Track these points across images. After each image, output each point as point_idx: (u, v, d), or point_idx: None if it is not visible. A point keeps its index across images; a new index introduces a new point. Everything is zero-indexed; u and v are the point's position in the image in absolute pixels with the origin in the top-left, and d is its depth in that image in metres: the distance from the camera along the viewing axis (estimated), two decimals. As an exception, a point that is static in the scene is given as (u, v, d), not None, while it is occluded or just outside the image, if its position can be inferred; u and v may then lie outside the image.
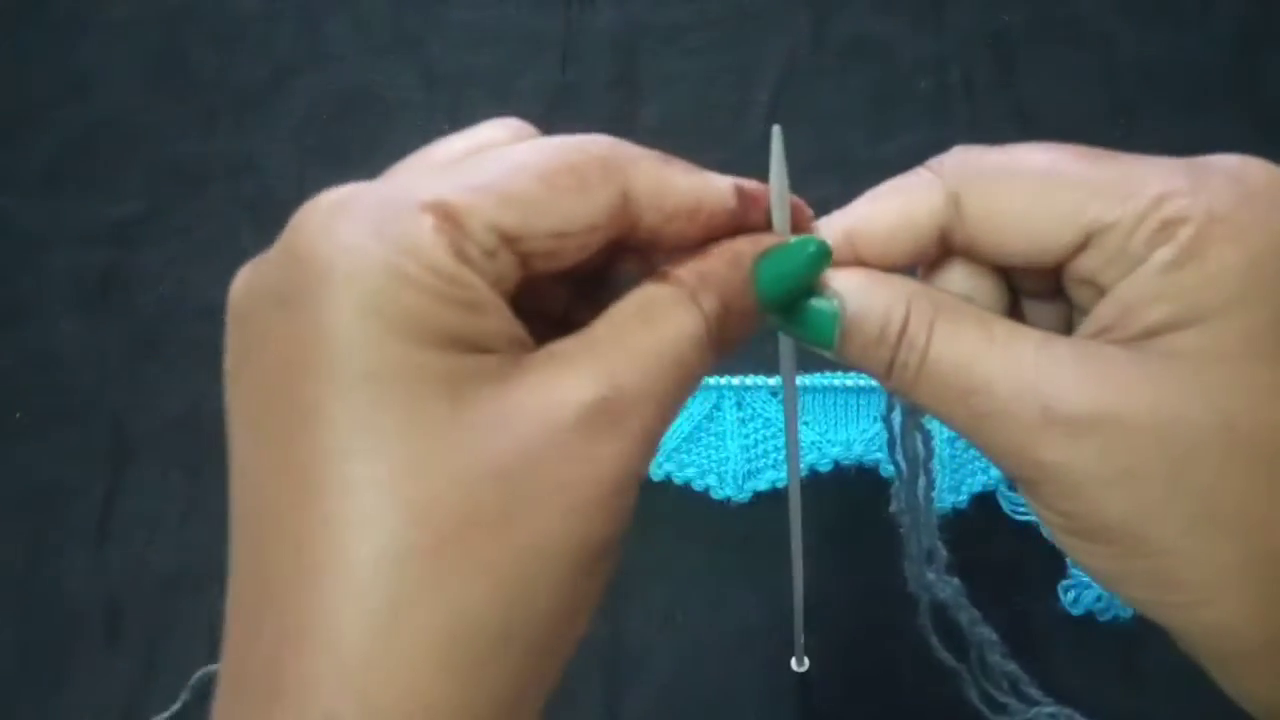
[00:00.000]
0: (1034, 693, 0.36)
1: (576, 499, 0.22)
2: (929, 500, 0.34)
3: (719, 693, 0.50)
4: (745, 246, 0.27)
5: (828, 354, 0.28)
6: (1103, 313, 0.26)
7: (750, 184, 0.27)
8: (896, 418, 0.33)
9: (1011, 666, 0.35)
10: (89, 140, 0.62)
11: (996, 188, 0.27)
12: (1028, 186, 0.27)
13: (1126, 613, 0.48)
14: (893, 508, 0.35)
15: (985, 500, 0.50)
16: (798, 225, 0.28)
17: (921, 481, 0.34)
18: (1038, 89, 0.60)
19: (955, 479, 0.51)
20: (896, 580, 0.51)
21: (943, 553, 0.35)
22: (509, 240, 0.23)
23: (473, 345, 0.22)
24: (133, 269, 0.59)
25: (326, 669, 0.20)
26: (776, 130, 0.27)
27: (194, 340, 0.57)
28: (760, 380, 0.52)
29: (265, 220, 0.60)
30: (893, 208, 0.28)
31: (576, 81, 0.62)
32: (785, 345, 0.30)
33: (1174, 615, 0.26)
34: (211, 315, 0.58)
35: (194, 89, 0.63)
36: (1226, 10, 0.61)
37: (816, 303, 0.27)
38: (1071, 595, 0.49)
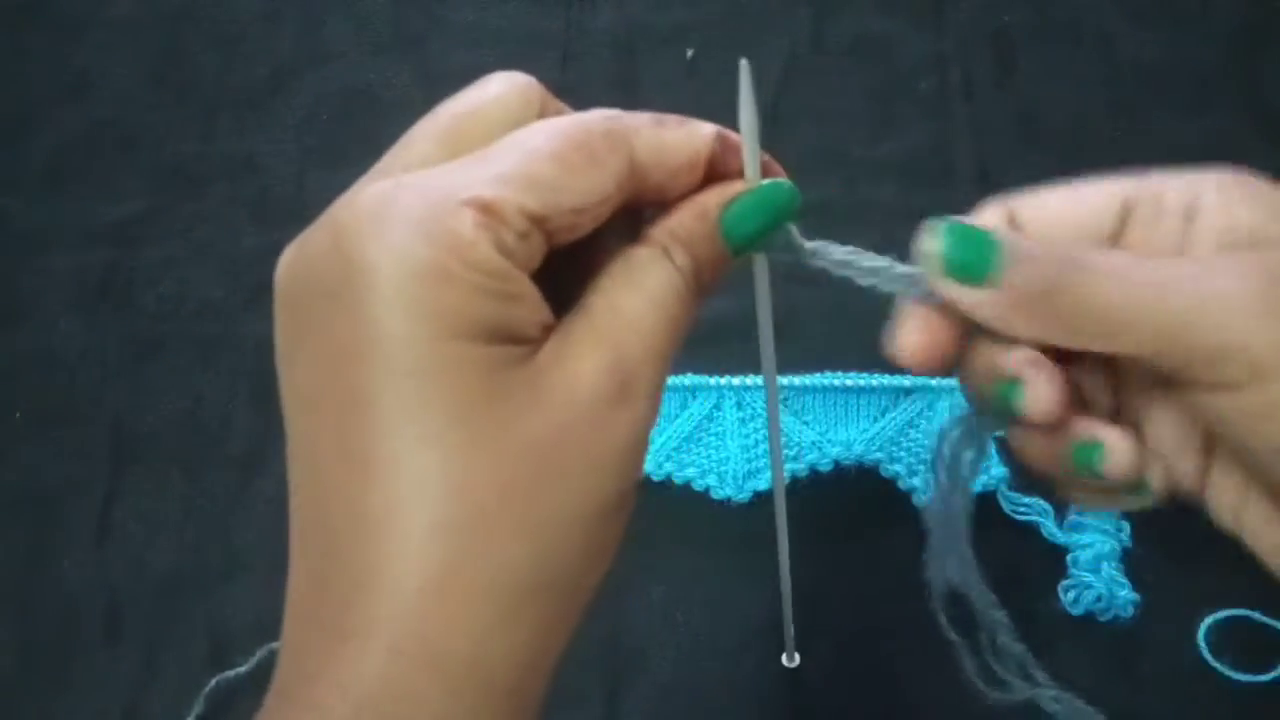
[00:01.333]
0: (1040, 675, 0.36)
1: (597, 462, 0.25)
2: (967, 510, 0.34)
3: (719, 692, 0.50)
4: (711, 198, 0.29)
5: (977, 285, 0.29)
6: None
7: (730, 133, 0.29)
8: (949, 432, 0.33)
9: (1021, 648, 0.35)
10: (89, 140, 0.62)
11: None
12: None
13: (1127, 613, 0.48)
14: (924, 515, 0.35)
15: (985, 500, 0.50)
16: (765, 171, 0.29)
17: (959, 497, 0.33)
18: (1038, 89, 0.60)
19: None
20: (895, 579, 0.51)
21: (970, 554, 0.35)
22: (537, 222, 0.25)
23: (509, 335, 0.25)
24: (133, 269, 0.59)
25: (390, 613, 0.24)
26: (744, 64, 0.28)
27: (194, 340, 0.57)
28: (760, 380, 0.52)
29: (265, 220, 0.60)
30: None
31: (576, 81, 0.62)
32: (760, 268, 0.31)
33: None
34: (212, 315, 0.59)
35: (194, 89, 0.63)
36: (1226, 10, 0.61)
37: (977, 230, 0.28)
38: (1071, 595, 0.49)
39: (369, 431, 0.24)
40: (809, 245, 0.30)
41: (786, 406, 0.52)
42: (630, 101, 0.62)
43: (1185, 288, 0.27)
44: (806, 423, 0.52)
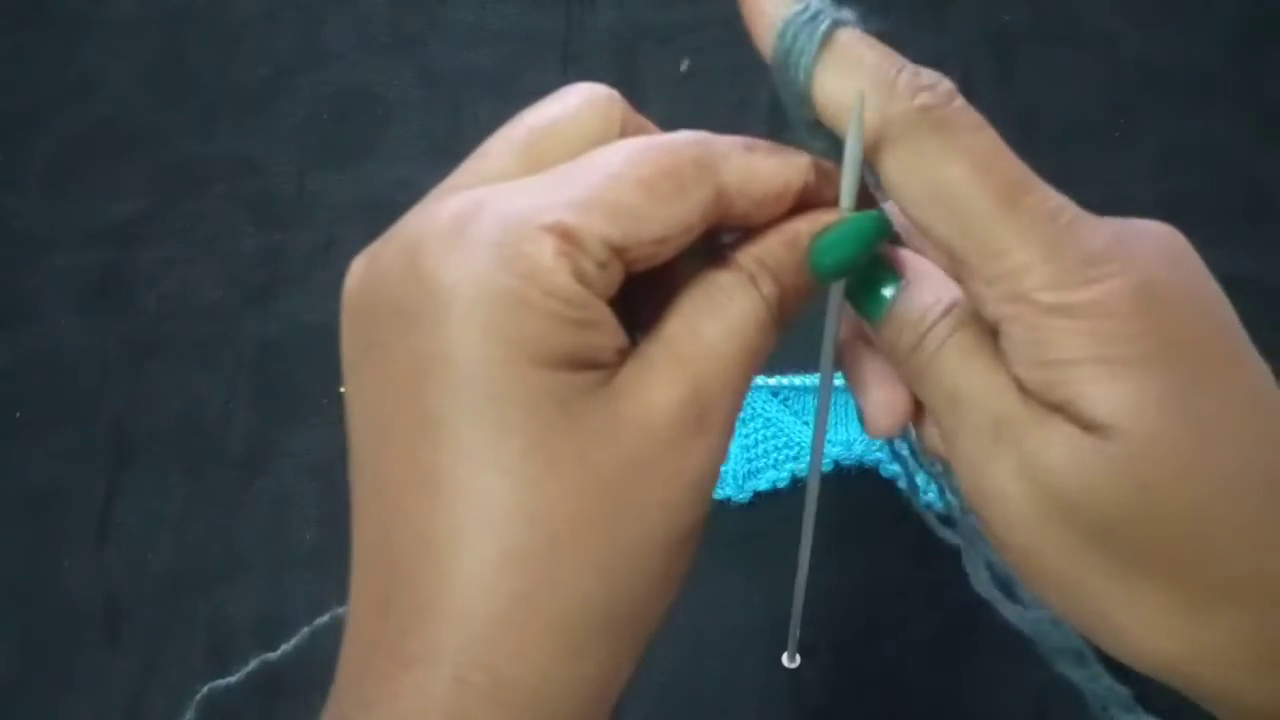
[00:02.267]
0: (1026, 595, 0.36)
1: (672, 495, 0.25)
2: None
3: (719, 691, 0.50)
4: (803, 226, 0.28)
5: (866, 315, 0.29)
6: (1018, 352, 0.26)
7: (825, 163, 0.28)
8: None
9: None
10: (89, 140, 0.62)
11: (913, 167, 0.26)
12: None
13: (1126, 613, 0.48)
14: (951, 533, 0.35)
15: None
16: (860, 200, 0.28)
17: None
18: (1038, 89, 0.60)
19: (955, 479, 0.51)
20: (895, 579, 0.51)
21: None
22: (617, 251, 0.24)
23: (585, 362, 0.24)
24: (133, 269, 0.59)
25: (456, 642, 0.23)
26: (860, 93, 0.26)
27: (194, 340, 0.57)
28: (760, 380, 0.52)
29: (265, 220, 0.60)
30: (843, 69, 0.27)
31: (576, 81, 0.62)
32: (835, 293, 0.30)
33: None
34: (212, 315, 0.59)
35: (194, 89, 0.63)
36: (1226, 10, 0.61)
37: (880, 278, 0.29)
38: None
39: (441, 454, 0.24)
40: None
41: (786, 406, 0.52)
42: (631, 101, 0.62)
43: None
44: (806, 423, 0.52)
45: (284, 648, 0.49)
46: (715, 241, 0.28)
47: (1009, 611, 0.35)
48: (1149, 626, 0.26)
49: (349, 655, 0.25)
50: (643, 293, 0.27)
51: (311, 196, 0.60)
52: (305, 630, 0.49)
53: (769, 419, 0.52)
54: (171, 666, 0.51)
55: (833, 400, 0.52)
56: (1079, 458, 0.25)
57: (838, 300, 0.30)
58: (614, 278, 0.25)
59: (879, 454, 0.51)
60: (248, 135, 0.62)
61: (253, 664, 0.49)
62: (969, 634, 0.49)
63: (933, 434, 0.30)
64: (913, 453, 0.35)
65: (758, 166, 0.27)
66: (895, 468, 0.51)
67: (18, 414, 0.56)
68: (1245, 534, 0.25)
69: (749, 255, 0.27)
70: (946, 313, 0.28)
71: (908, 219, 0.27)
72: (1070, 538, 0.25)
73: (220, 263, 0.59)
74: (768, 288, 0.27)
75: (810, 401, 0.52)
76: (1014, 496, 0.26)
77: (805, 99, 0.27)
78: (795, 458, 0.52)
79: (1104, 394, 0.24)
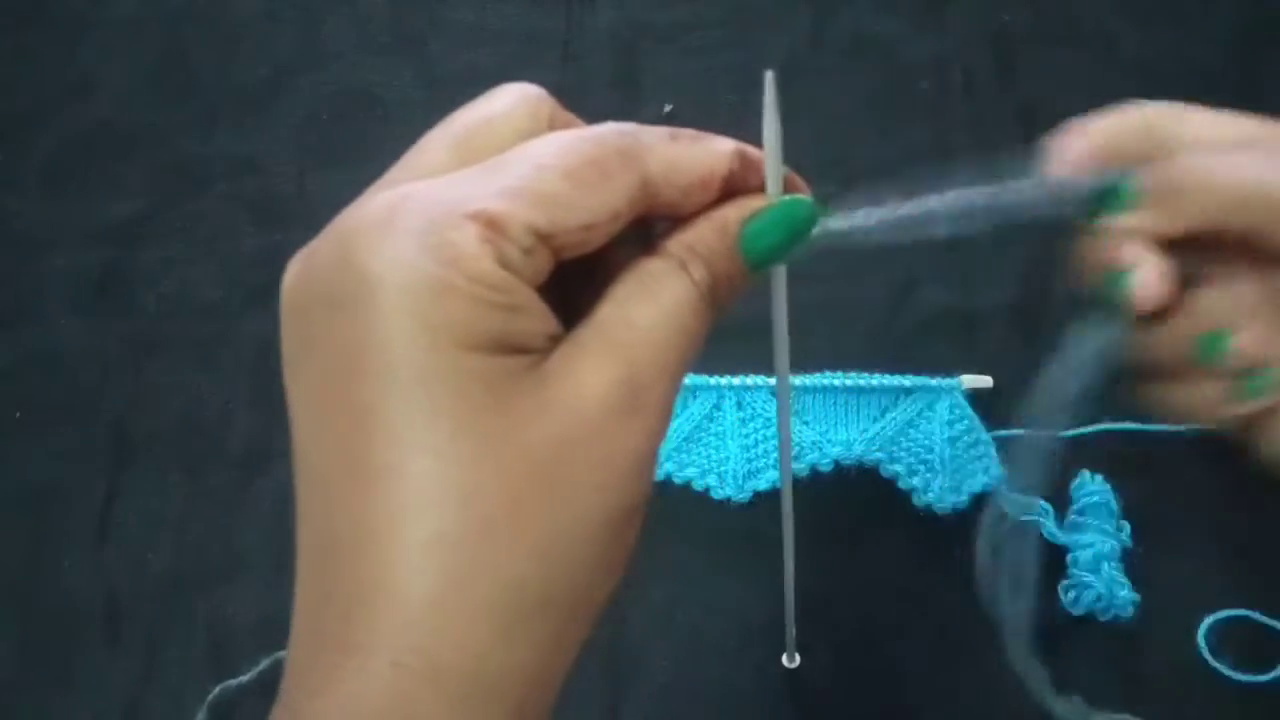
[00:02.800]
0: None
1: (607, 476, 0.25)
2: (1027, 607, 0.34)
3: (719, 692, 0.50)
4: (731, 212, 0.28)
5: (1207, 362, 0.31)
6: None
7: (751, 149, 0.29)
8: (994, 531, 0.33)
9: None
10: (89, 140, 0.62)
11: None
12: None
13: (1126, 613, 0.48)
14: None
15: (985, 500, 0.50)
16: (787, 186, 0.29)
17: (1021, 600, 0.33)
18: (1038, 89, 0.60)
19: (955, 479, 0.51)
20: (895, 580, 0.51)
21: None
22: (543, 238, 0.25)
23: (513, 346, 0.25)
24: (133, 269, 0.59)
25: (393, 627, 0.24)
26: (769, 76, 0.27)
27: (194, 340, 0.57)
28: (760, 380, 0.52)
29: (265, 220, 0.60)
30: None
31: (577, 81, 0.62)
32: (778, 279, 0.31)
33: None
34: (212, 315, 0.59)
35: (194, 89, 0.63)
36: (1226, 10, 0.61)
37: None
38: (1071, 595, 0.49)
39: (372, 441, 0.24)
40: (834, 225, 0.29)
41: (786, 406, 0.52)
42: (631, 101, 0.62)
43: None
44: (806, 423, 0.52)
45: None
46: (649, 233, 0.28)
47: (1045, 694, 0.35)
48: None
49: (295, 645, 0.26)
50: (579, 284, 0.27)
51: (311, 196, 0.60)
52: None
53: (769, 419, 0.52)
54: (171, 666, 0.51)
55: (834, 400, 0.52)
56: None
57: (781, 286, 0.31)
58: (541, 264, 0.25)
59: (879, 454, 0.51)
60: (248, 135, 0.62)
61: (264, 663, 0.49)
62: (969, 634, 0.49)
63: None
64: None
65: (681, 154, 0.27)
66: (895, 468, 0.51)
67: (18, 414, 0.56)
68: None
69: (679, 242, 0.27)
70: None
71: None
72: None
73: (220, 263, 0.59)
74: (699, 273, 0.27)
75: (810, 401, 0.52)
76: None
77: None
78: (796, 458, 0.52)
79: None
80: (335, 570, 0.25)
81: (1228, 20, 0.61)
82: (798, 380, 0.52)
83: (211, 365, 0.57)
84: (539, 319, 0.25)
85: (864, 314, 0.56)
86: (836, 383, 0.52)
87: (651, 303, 0.26)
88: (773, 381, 0.52)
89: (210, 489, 0.54)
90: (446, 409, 0.24)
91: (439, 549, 0.24)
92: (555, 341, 0.26)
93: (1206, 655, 0.48)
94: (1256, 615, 0.48)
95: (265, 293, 0.59)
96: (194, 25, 0.65)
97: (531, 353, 0.25)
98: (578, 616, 0.26)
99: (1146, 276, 0.30)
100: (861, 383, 0.52)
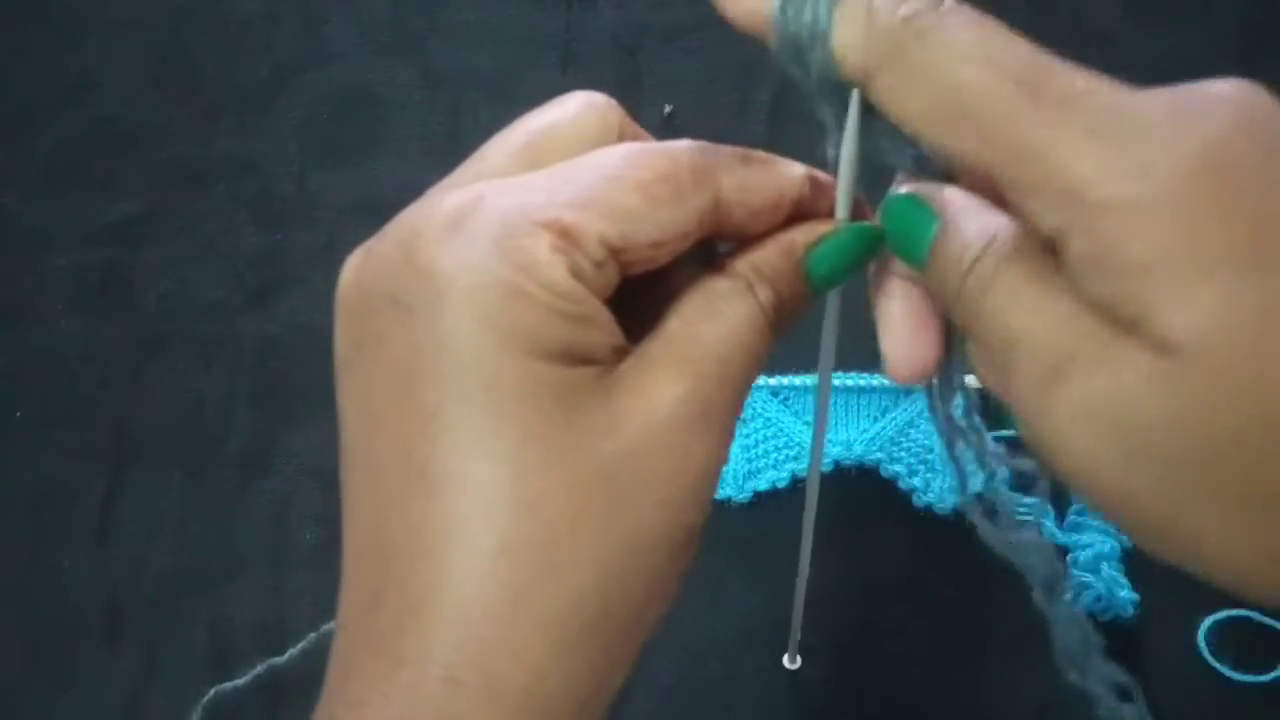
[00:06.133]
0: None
1: (671, 492, 0.25)
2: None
3: (719, 693, 0.50)
4: (798, 236, 0.28)
5: (910, 260, 0.28)
6: (1079, 264, 0.23)
7: (821, 175, 0.29)
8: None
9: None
10: (89, 140, 0.62)
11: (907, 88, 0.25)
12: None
13: (1126, 612, 0.48)
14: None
15: (985, 501, 0.50)
16: (855, 212, 0.29)
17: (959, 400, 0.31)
18: (1038, 89, 0.60)
19: (955, 480, 0.51)
20: (895, 579, 0.51)
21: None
22: (614, 252, 0.25)
23: (581, 357, 0.24)
24: (133, 269, 0.59)
25: (449, 640, 0.23)
26: (856, 94, 0.26)
27: (194, 340, 0.57)
28: (761, 380, 0.52)
29: (265, 220, 0.60)
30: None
31: (577, 81, 0.61)
32: (832, 302, 0.31)
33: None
34: (212, 315, 0.59)
35: (194, 89, 0.63)
36: (1226, 10, 0.61)
37: (919, 219, 0.27)
38: (1071, 595, 0.49)
39: (435, 445, 0.23)
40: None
41: (786, 407, 0.52)
42: (632, 101, 0.62)
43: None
44: (807, 423, 0.52)
45: (290, 652, 0.49)
46: (711, 252, 0.28)
47: (988, 532, 0.33)
48: (1236, 542, 0.23)
49: (339, 653, 0.25)
50: (639, 301, 0.27)
51: (311, 196, 0.60)
52: (312, 635, 0.49)
53: (769, 419, 0.52)
54: (171, 667, 0.51)
55: (834, 400, 0.52)
56: (1154, 387, 0.22)
57: (835, 306, 0.31)
58: (610, 278, 0.25)
59: (879, 454, 0.51)
60: (248, 135, 0.62)
61: (259, 667, 0.49)
62: (970, 634, 0.49)
63: (986, 375, 0.27)
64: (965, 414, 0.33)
65: (754, 176, 0.27)
66: (896, 468, 0.51)
67: (18, 414, 0.56)
68: None
69: (746, 263, 0.27)
70: (991, 244, 0.25)
71: (931, 151, 0.25)
72: (1149, 470, 0.23)
73: (220, 263, 0.59)
74: (764, 294, 0.27)
75: (810, 401, 0.52)
76: (1081, 435, 0.23)
77: (824, 60, 0.26)
78: (795, 458, 0.52)
79: (1180, 306, 0.21)
80: (387, 576, 0.24)
81: (1228, 20, 0.61)
82: (798, 380, 0.52)
83: (211, 365, 0.57)
84: (606, 331, 0.25)
85: (864, 314, 0.56)
86: (837, 383, 0.52)
87: (719, 321, 0.26)
88: (772, 382, 0.52)
89: (210, 489, 0.54)
90: (513, 416, 0.23)
91: (500, 559, 0.23)
92: (620, 355, 0.25)
93: (1206, 655, 0.48)
94: (1256, 615, 0.48)
95: (265, 293, 0.60)
96: (194, 25, 0.65)
97: (598, 365, 0.25)
98: (631, 636, 0.25)
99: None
100: (861, 383, 0.52)
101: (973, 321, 0.26)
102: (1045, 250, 0.24)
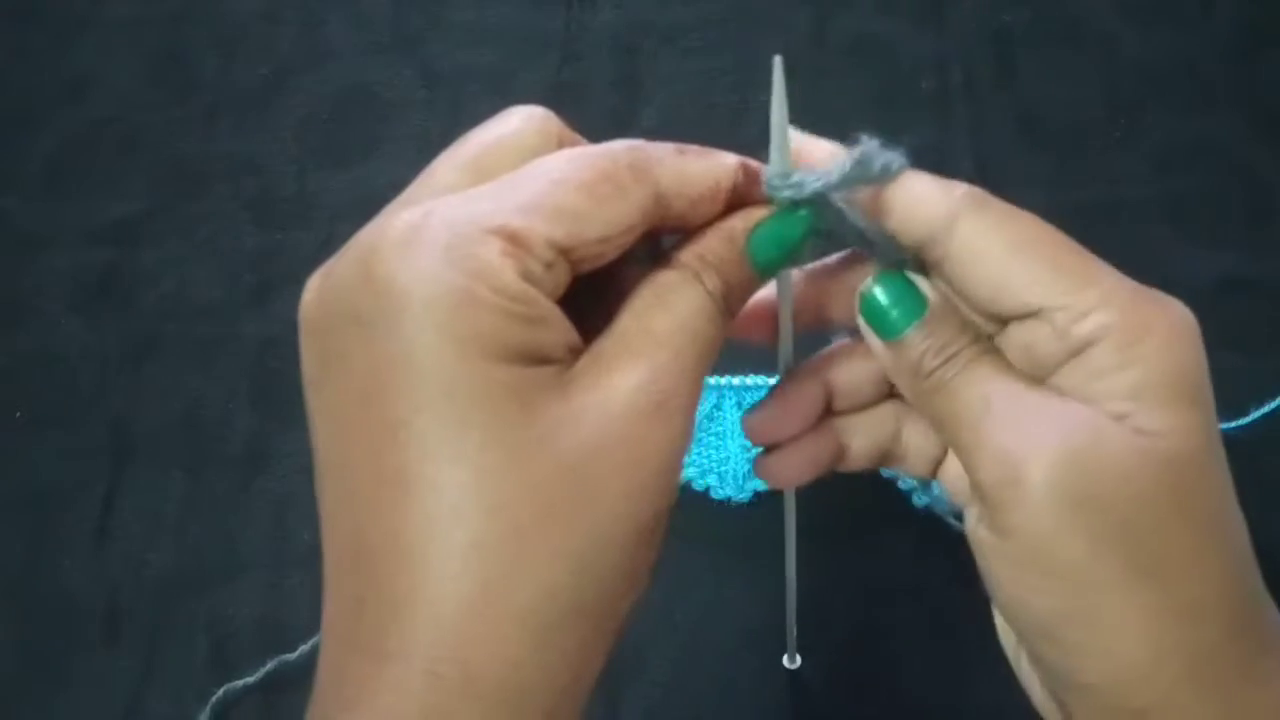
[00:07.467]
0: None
1: (635, 481, 0.25)
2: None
3: (719, 692, 0.50)
4: (738, 223, 0.29)
5: (881, 340, 0.31)
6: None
7: (752, 163, 0.30)
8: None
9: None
10: (89, 140, 0.62)
11: (990, 232, 0.30)
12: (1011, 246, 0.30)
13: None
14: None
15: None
16: (802, 157, 0.31)
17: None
18: (1038, 89, 0.60)
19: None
20: (895, 579, 0.51)
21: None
22: (563, 251, 0.26)
23: (537, 357, 0.25)
24: (133, 269, 0.59)
25: (428, 636, 0.24)
26: (778, 61, 0.29)
27: (194, 340, 0.57)
28: (760, 380, 0.52)
29: (265, 220, 0.60)
30: (915, 188, 0.30)
31: (576, 81, 0.62)
32: (784, 282, 0.32)
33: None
34: (212, 315, 0.59)
35: (194, 89, 0.63)
36: (1226, 10, 0.61)
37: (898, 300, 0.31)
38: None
39: (406, 453, 0.24)
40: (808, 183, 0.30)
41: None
42: (631, 101, 0.62)
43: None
44: (806, 423, 0.52)
45: (302, 648, 0.49)
46: (658, 248, 0.30)
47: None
48: (1135, 627, 0.27)
49: (328, 654, 0.26)
50: (593, 301, 0.28)
51: (311, 196, 0.60)
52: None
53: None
54: (171, 666, 0.51)
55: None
56: (1125, 450, 0.27)
57: (787, 290, 0.32)
58: (560, 278, 0.26)
59: (879, 454, 0.51)
60: (248, 135, 0.62)
61: (270, 664, 0.49)
62: (969, 634, 0.49)
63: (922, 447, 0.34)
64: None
65: (690, 167, 0.28)
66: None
67: (18, 414, 0.56)
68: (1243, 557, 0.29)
69: (691, 253, 0.29)
70: (975, 339, 0.30)
71: (978, 285, 0.30)
72: (1093, 529, 0.27)
73: (220, 263, 0.59)
74: (711, 282, 0.28)
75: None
76: (1039, 485, 0.27)
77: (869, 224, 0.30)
78: (795, 458, 0.52)
79: (1160, 413, 0.27)
80: (369, 580, 0.25)
81: (1228, 20, 0.61)
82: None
83: (211, 365, 0.57)
84: (561, 330, 0.26)
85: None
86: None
87: (669, 312, 0.27)
88: (772, 381, 0.52)
89: (210, 489, 0.54)
90: (476, 420, 0.24)
91: (473, 557, 0.24)
92: (575, 353, 0.26)
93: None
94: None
95: (265, 293, 0.60)
96: (194, 25, 0.65)
97: (554, 363, 0.26)
98: (605, 625, 0.26)
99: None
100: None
101: (941, 392, 0.30)
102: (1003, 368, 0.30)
